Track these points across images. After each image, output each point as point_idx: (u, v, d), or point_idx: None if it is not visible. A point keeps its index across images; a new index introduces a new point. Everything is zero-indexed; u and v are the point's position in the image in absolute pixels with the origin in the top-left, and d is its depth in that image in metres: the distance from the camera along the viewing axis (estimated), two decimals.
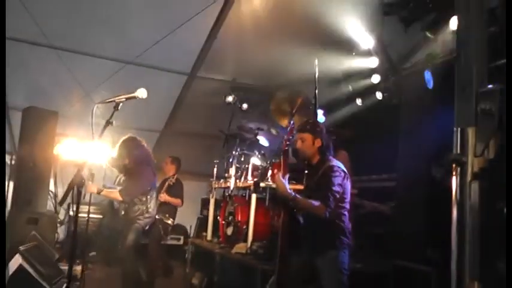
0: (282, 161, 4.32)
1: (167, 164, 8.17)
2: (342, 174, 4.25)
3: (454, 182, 1.90)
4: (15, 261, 5.10)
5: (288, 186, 4.13)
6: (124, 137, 6.11)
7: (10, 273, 4.93)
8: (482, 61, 1.78)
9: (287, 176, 4.23)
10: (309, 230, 4.25)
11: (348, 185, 4.33)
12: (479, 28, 1.79)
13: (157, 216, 7.32)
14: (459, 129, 1.85)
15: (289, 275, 4.27)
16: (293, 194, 4.08)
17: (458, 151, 1.86)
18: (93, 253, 8.72)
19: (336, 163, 4.33)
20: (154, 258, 7.18)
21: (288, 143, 4.37)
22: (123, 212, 6.39)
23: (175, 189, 7.86)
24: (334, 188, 4.12)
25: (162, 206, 7.56)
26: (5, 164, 6.71)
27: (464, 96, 1.83)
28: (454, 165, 1.87)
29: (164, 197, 7.61)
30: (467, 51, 1.79)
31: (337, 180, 4.17)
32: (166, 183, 7.76)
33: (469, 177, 1.82)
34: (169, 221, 7.67)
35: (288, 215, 4.23)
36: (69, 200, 3.43)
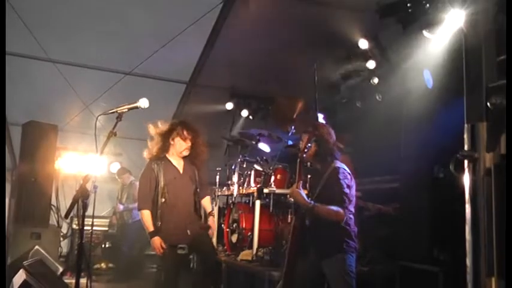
0: (297, 170, 4.22)
1: None
2: (348, 176, 4.24)
3: (467, 178, 1.88)
4: (20, 277, 5.06)
5: (305, 196, 4.07)
6: None
7: None
8: (491, 55, 1.77)
9: (301, 184, 4.16)
10: (315, 234, 4.22)
11: (353, 187, 4.32)
12: (488, 22, 1.78)
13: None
14: (470, 125, 1.84)
15: (296, 280, 4.25)
16: (312, 203, 4.03)
17: (470, 147, 1.84)
18: (98, 265, 8.73)
19: (341, 165, 4.32)
20: None
21: (305, 150, 4.28)
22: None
23: None
24: (345, 191, 4.12)
25: None
26: (5, 171, 6.66)
27: (474, 92, 1.81)
28: (466, 162, 1.85)
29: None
30: (475, 46, 1.79)
31: (346, 182, 4.16)
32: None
33: (481, 173, 1.80)
34: None
35: (299, 221, 4.20)
36: (71, 213, 3.41)
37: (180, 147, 5.03)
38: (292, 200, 4.23)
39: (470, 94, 1.84)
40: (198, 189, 5.09)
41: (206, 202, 5.29)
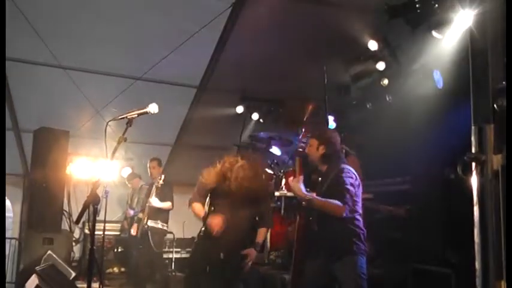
0: (297, 163, 4.27)
1: (154, 168, 7.90)
2: (353, 176, 4.25)
3: (475, 181, 1.87)
4: (32, 282, 5.11)
5: (303, 188, 4.08)
6: None
7: None
8: (498, 56, 1.76)
9: (301, 178, 4.17)
10: (324, 236, 4.21)
11: (359, 189, 4.32)
12: (495, 22, 1.76)
13: (149, 224, 7.36)
14: (477, 127, 1.83)
15: (305, 281, 4.25)
16: (309, 195, 4.04)
17: (477, 149, 1.83)
18: (110, 269, 8.78)
19: (347, 166, 4.34)
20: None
21: (302, 145, 4.34)
22: None
23: (165, 192, 7.62)
24: (347, 187, 4.13)
25: (154, 212, 7.46)
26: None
27: (480, 93, 1.80)
28: (474, 164, 1.84)
29: (155, 202, 7.39)
30: (482, 47, 1.77)
31: (349, 180, 4.17)
32: (154, 187, 7.43)
33: (489, 176, 1.79)
34: (165, 227, 7.64)
35: (304, 219, 4.20)
36: (83, 218, 3.42)
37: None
38: (291, 189, 4.21)
39: (477, 96, 1.83)
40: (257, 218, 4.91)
41: (261, 232, 4.96)
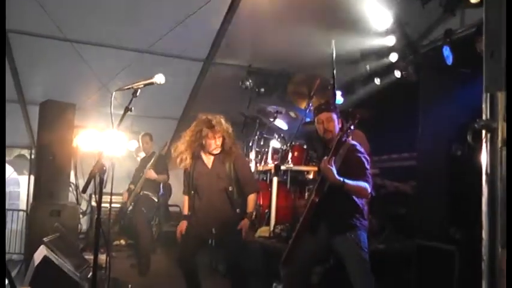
0: (333, 146, 4.15)
1: (147, 143, 8.00)
2: (364, 152, 4.24)
3: (484, 149, 1.85)
4: (40, 253, 5.13)
5: (335, 172, 3.98)
6: None
7: (36, 264, 4.96)
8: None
9: (333, 160, 4.09)
10: (328, 209, 4.19)
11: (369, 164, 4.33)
12: None
13: (145, 192, 7.51)
14: (488, 94, 1.80)
15: (300, 252, 4.25)
16: (342, 179, 3.97)
17: (488, 117, 1.80)
18: (117, 241, 8.84)
19: (355, 142, 4.32)
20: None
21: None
22: None
23: (162, 164, 7.73)
24: (367, 166, 4.15)
25: (148, 182, 7.57)
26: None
27: (492, 61, 1.77)
28: (484, 132, 1.81)
29: (150, 173, 7.48)
30: (495, 14, 1.74)
31: (364, 158, 4.18)
32: (153, 159, 7.58)
33: (499, 144, 1.77)
34: (155, 198, 7.70)
35: (319, 197, 4.16)
36: (90, 190, 3.42)
37: (208, 146, 5.10)
38: (323, 173, 4.11)
39: (489, 63, 1.80)
40: (231, 187, 5.05)
41: (249, 200, 5.17)
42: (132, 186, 7.74)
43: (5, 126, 3.25)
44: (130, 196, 7.67)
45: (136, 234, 7.48)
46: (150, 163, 7.55)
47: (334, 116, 4.37)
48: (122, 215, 7.99)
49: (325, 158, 4.05)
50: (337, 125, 4.35)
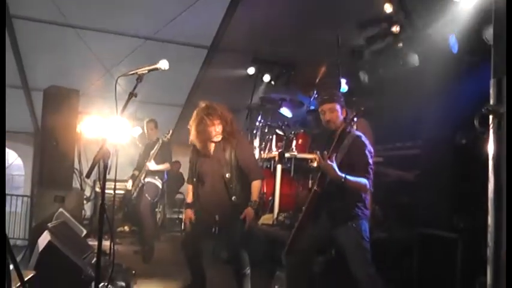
0: (333, 142, 4.14)
1: (152, 130, 7.91)
2: (369, 145, 4.23)
3: (491, 134, 1.84)
4: (44, 238, 5.15)
5: (337, 169, 3.97)
6: None
7: (40, 250, 4.98)
8: None
9: (334, 157, 4.09)
10: (330, 199, 4.18)
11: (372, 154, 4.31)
12: None
13: (147, 180, 7.53)
14: (496, 79, 1.78)
15: (303, 242, 4.25)
16: (343, 175, 3.96)
17: (495, 102, 1.79)
18: (121, 228, 8.88)
19: (359, 133, 4.31)
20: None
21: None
22: None
23: (165, 152, 7.66)
24: (370, 161, 4.13)
25: (151, 172, 7.56)
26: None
27: (501, 46, 1.75)
28: (491, 117, 1.80)
29: (151, 165, 7.44)
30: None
31: (369, 152, 4.15)
32: (155, 149, 7.51)
33: (505, 128, 1.76)
34: (159, 185, 7.66)
35: (321, 188, 4.16)
36: (94, 176, 3.42)
37: (209, 133, 5.02)
38: (323, 170, 4.09)
39: (498, 47, 1.78)
40: (228, 174, 4.97)
41: (253, 187, 5.04)
42: (136, 172, 7.73)
43: (5, 114, 3.23)
44: (134, 182, 7.67)
45: (140, 221, 7.50)
46: (153, 151, 7.49)
47: (338, 107, 4.33)
48: (126, 201, 8.00)
49: (325, 153, 4.05)
50: (340, 116, 4.32)
